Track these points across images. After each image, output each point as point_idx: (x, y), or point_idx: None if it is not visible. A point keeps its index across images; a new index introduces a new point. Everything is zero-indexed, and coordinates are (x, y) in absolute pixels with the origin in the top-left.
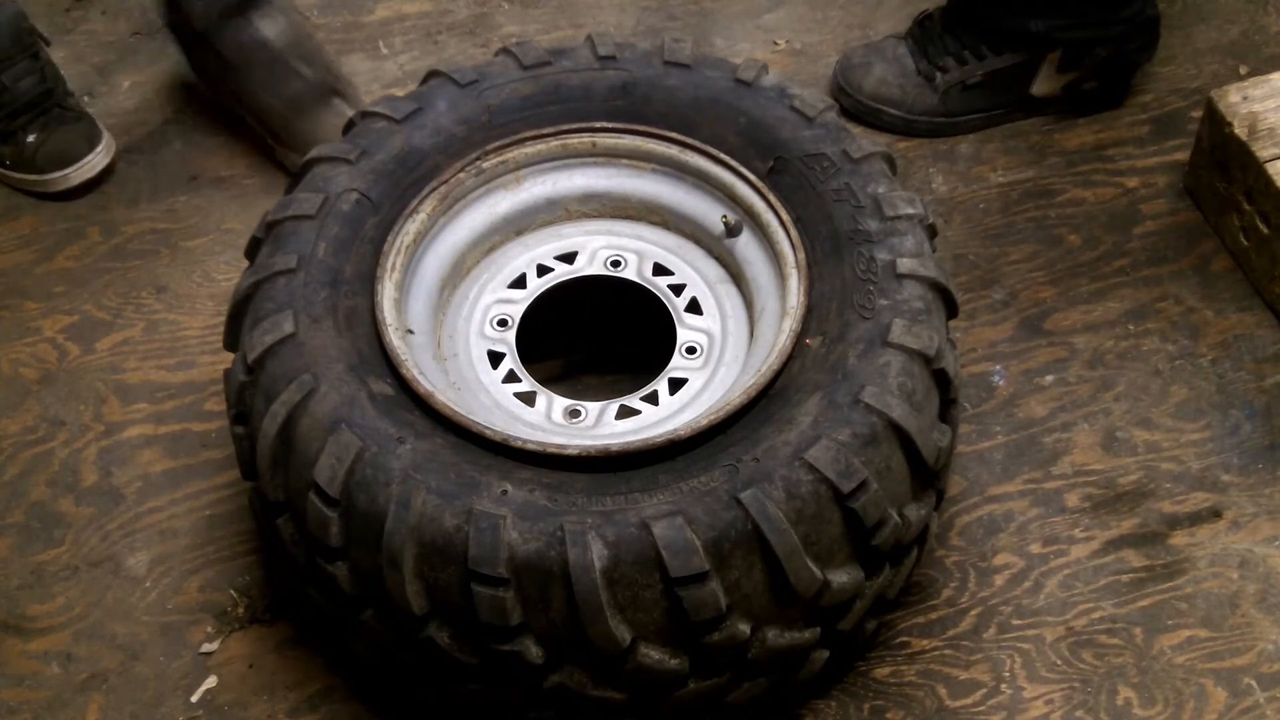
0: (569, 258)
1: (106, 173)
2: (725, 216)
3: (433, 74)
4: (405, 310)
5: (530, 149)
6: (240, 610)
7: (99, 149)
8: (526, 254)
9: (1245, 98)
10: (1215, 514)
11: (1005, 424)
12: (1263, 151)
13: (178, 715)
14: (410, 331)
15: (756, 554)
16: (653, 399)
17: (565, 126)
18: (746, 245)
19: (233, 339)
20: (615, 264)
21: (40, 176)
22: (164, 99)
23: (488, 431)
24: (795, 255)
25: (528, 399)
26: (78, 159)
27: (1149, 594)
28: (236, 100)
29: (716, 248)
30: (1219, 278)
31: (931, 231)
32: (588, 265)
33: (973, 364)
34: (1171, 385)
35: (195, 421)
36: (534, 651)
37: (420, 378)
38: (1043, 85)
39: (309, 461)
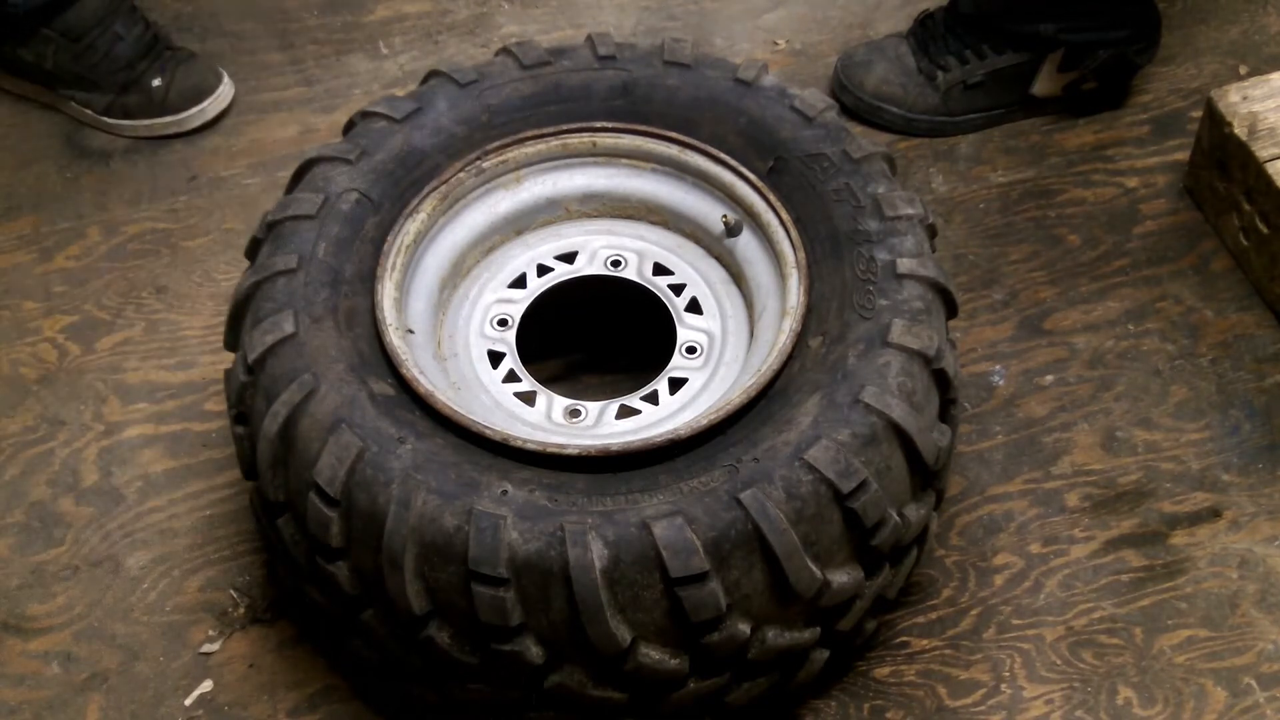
0: (569, 257)
1: (230, 108)
2: (725, 216)
3: (433, 74)
4: (405, 310)
5: (530, 149)
6: (240, 610)
7: (225, 80)
8: (526, 254)
9: (1245, 98)
10: (1215, 514)
11: (1005, 424)
12: (1262, 151)
13: (178, 715)
14: (410, 331)
15: (756, 554)
16: (653, 399)
17: (565, 126)
18: (746, 245)
19: (233, 339)
20: (615, 264)
21: (176, 117)
22: None
23: (488, 431)
24: (795, 255)
25: (528, 399)
26: (210, 91)
27: (1149, 594)
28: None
29: (716, 248)
30: (1219, 278)
31: (931, 231)
32: (588, 265)
33: (973, 364)
34: (1171, 385)
35: (195, 421)
36: (534, 651)
37: (420, 378)
38: (1043, 85)
39: (309, 461)
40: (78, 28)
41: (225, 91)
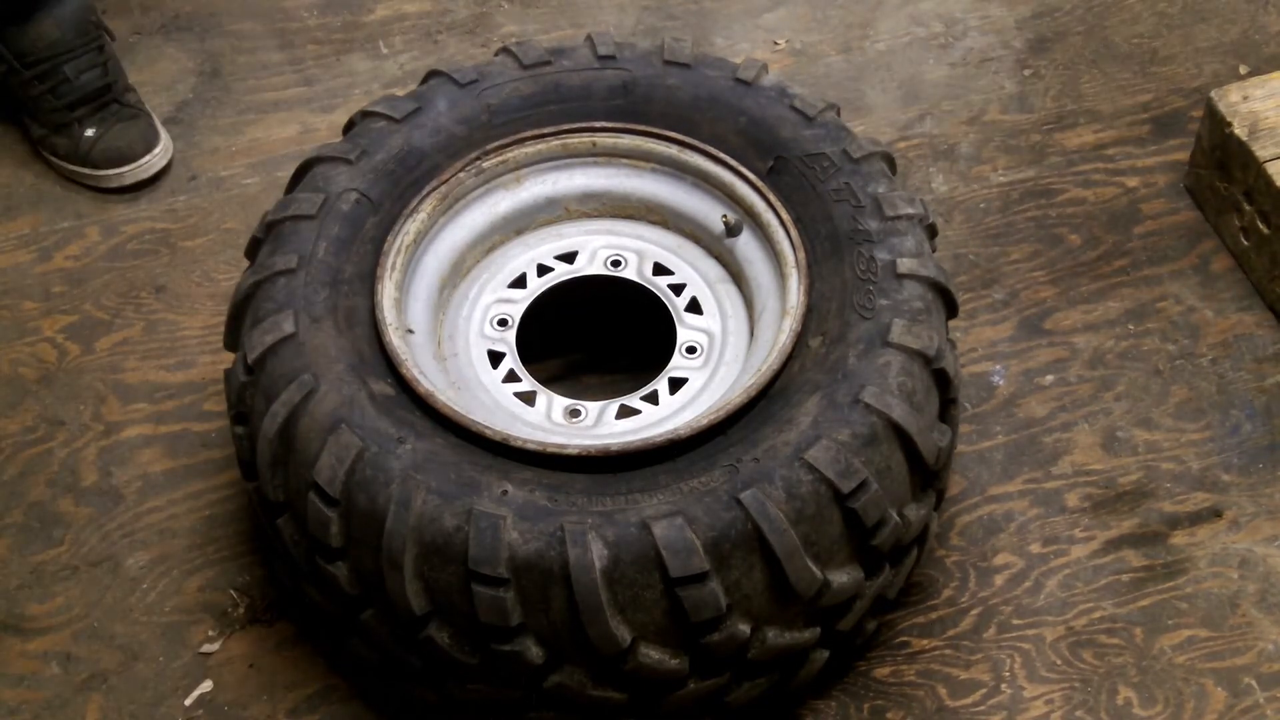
0: (569, 257)
1: (162, 174)
2: (725, 216)
3: (433, 74)
4: (405, 310)
5: (530, 148)
6: (240, 610)
7: (156, 150)
8: (526, 254)
9: (1245, 97)
10: (1215, 514)
11: (1005, 424)
12: (1263, 151)
13: (177, 715)
14: (410, 331)
15: (756, 554)
16: (653, 399)
17: (565, 126)
18: (746, 245)
19: (233, 339)
20: (615, 264)
21: (94, 172)
22: (164, 98)
23: (488, 431)
24: (795, 255)
25: (528, 399)
26: (134, 159)
27: (1149, 594)
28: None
29: (716, 247)
30: (1219, 277)
31: (931, 231)
32: (588, 265)
33: (973, 364)
34: (1172, 385)
35: (195, 421)
36: (534, 651)
37: (420, 378)
38: None
39: (309, 461)
40: (30, 55)
41: (153, 161)
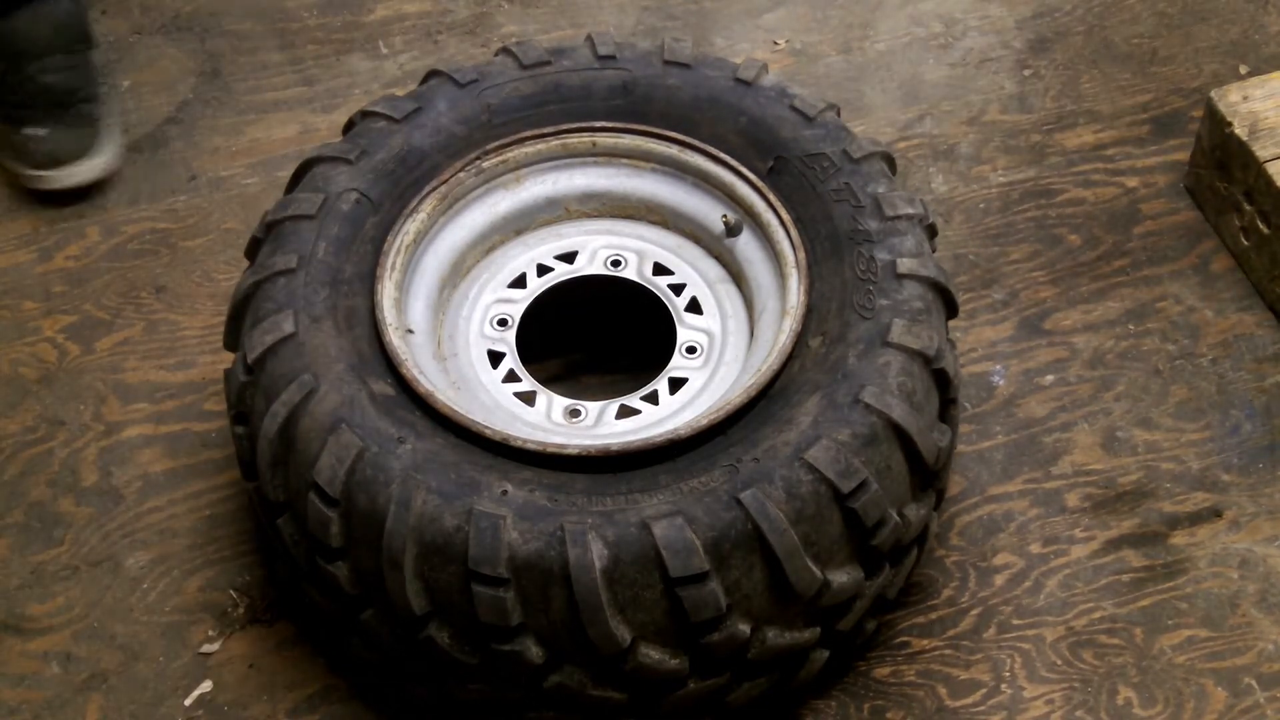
0: (569, 257)
1: (96, 186)
2: (725, 216)
3: (433, 73)
4: (405, 310)
5: (530, 148)
6: (240, 610)
7: (97, 159)
8: (526, 254)
9: (1245, 97)
10: (1215, 514)
11: (1005, 424)
12: (1263, 151)
13: (177, 715)
14: (410, 331)
15: (756, 554)
16: (653, 399)
17: (565, 126)
18: (746, 245)
19: (233, 339)
20: (615, 264)
21: (33, 171)
22: (164, 98)
23: (488, 431)
24: (795, 255)
25: (528, 399)
26: (68, 162)
27: (1149, 594)
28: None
29: (716, 247)
30: (1219, 278)
31: (931, 231)
32: (588, 265)
33: (973, 364)
34: (1171, 385)
35: (195, 421)
36: (534, 651)
37: (420, 377)
38: None
39: (309, 461)
40: (2, 50)
41: (84, 169)
